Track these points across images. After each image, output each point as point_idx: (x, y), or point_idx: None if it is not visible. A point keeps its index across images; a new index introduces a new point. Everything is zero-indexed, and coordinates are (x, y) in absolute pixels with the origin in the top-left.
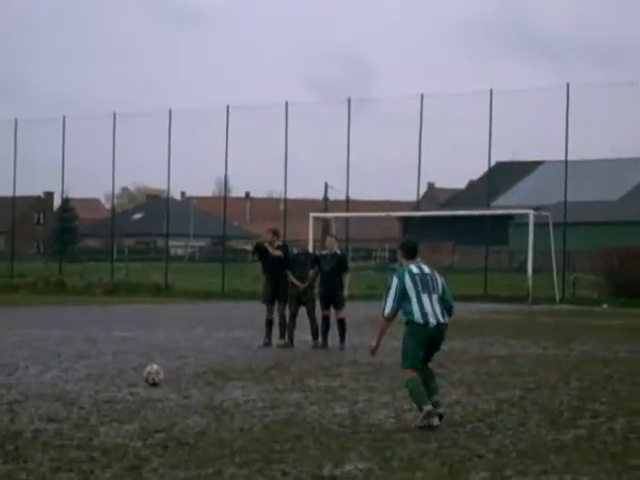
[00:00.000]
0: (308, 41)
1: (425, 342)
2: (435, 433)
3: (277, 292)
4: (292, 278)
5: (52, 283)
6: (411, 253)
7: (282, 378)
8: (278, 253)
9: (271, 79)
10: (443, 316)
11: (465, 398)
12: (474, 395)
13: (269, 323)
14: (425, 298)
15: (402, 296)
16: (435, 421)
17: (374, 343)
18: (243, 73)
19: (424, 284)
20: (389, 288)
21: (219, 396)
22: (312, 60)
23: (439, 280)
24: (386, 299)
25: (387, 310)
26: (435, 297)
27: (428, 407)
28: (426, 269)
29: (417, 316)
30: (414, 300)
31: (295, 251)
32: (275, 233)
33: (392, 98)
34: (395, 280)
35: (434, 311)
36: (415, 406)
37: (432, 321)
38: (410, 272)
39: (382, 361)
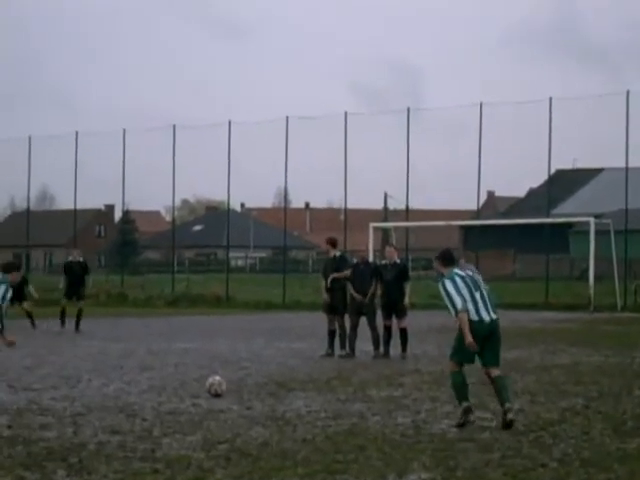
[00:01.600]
0: (355, 51)
1: (481, 338)
2: (498, 443)
3: (336, 303)
4: (352, 290)
5: (114, 295)
6: (450, 261)
7: (344, 388)
8: (346, 274)
9: (322, 90)
10: (495, 312)
11: (528, 407)
12: (537, 404)
13: (331, 333)
14: (477, 296)
15: (460, 294)
16: (472, 417)
17: (468, 339)
18: (296, 84)
19: (474, 283)
20: (447, 292)
21: (281, 407)
22: (359, 70)
23: (482, 280)
24: (451, 301)
25: (459, 306)
26: (485, 294)
27: (467, 403)
28: (469, 272)
29: (472, 313)
30: (468, 298)
31: (355, 261)
32: (332, 243)
33: (449, 107)
34: (448, 282)
35: (486, 307)
36: (456, 402)
37: (486, 317)
38: (458, 274)
39: (443, 370)
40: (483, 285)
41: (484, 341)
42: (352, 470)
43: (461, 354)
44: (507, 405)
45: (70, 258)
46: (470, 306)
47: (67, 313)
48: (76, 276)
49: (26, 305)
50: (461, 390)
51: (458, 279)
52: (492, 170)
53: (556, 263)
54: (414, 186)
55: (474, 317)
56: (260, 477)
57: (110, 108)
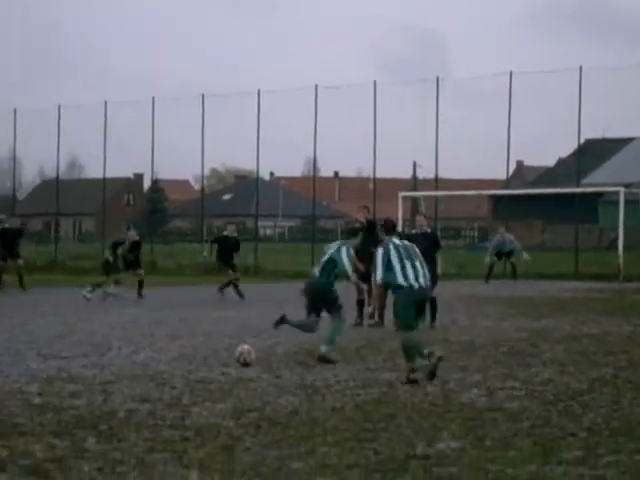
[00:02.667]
0: (381, 20)
1: (411, 302)
2: (527, 412)
3: (366, 272)
4: None
5: (143, 264)
6: (390, 230)
7: (373, 357)
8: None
9: (350, 60)
10: (425, 280)
11: (557, 377)
12: (566, 374)
13: (360, 303)
14: (408, 264)
15: (388, 264)
16: (419, 376)
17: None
18: (324, 54)
19: (407, 253)
20: (376, 261)
21: (310, 376)
22: (386, 39)
23: (417, 250)
24: (376, 269)
25: (379, 277)
26: (417, 263)
27: (415, 364)
28: (407, 243)
29: (400, 279)
30: (398, 267)
31: None
32: (366, 209)
33: (478, 76)
34: (380, 251)
35: (416, 276)
36: (410, 364)
37: (415, 284)
38: (394, 244)
39: (473, 340)
40: (419, 253)
41: (416, 306)
42: (381, 439)
43: (405, 319)
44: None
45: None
46: (400, 273)
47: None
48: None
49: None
50: (412, 352)
51: (392, 248)
52: (521, 140)
53: (585, 233)
54: (443, 155)
55: (404, 283)
56: (289, 445)
57: (140, 78)
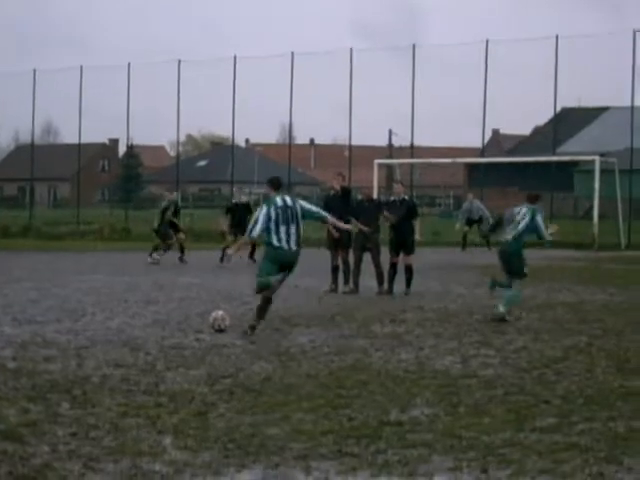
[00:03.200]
0: None
1: (279, 262)
2: (501, 379)
3: (340, 238)
4: (358, 224)
5: (118, 230)
6: (275, 187)
7: (348, 324)
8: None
9: (325, 27)
10: (296, 244)
11: (531, 344)
12: (540, 342)
13: (335, 269)
14: (283, 229)
15: (267, 223)
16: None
17: (232, 251)
18: (300, 21)
19: (285, 217)
20: (256, 216)
21: (285, 342)
22: (361, 6)
23: (299, 211)
24: (254, 224)
25: (253, 233)
26: (292, 228)
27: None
28: (288, 201)
29: (275, 240)
30: (273, 228)
31: (359, 197)
32: (341, 176)
33: (454, 44)
34: (264, 207)
35: (288, 240)
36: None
37: (285, 246)
38: (275, 205)
39: (447, 307)
40: (299, 214)
41: (284, 265)
42: (355, 405)
43: (265, 272)
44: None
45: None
46: (274, 235)
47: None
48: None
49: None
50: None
51: (272, 209)
52: (497, 108)
53: (560, 202)
54: (419, 123)
55: (276, 244)
56: (263, 411)
57: (116, 43)
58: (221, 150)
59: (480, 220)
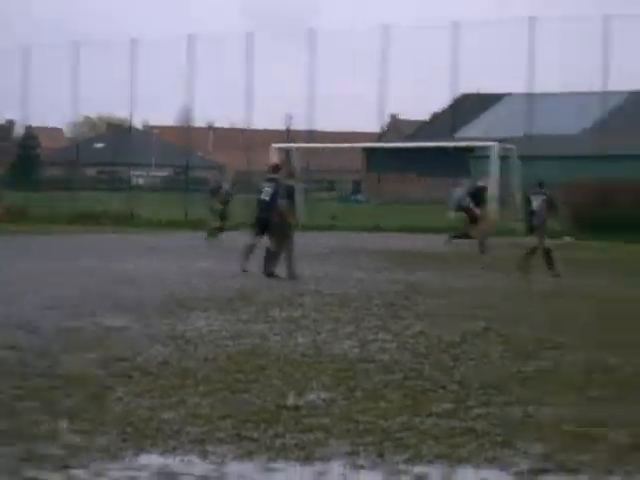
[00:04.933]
0: None
1: None
2: (399, 364)
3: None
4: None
5: (14, 212)
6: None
7: (246, 308)
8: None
9: (222, 10)
10: None
11: (429, 330)
12: (438, 327)
13: (251, 249)
14: None
15: None
16: None
17: None
18: (194, 2)
19: None
20: None
21: (182, 326)
22: None
23: None
24: None
25: None
26: None
27: None
28: None
29: None
30: None
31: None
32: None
33: (354, 29)
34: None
35: None
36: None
37: None
38: None
39: (346, 292)
40: None
41: None
42: (253, 389)
43: None
44: None
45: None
46: None
47: None
48: None
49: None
50: None
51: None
52: (396, 93)
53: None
54: (318, 108)
55: None
56: (161, 395)
57: (13, 25)
58: (118, 132)
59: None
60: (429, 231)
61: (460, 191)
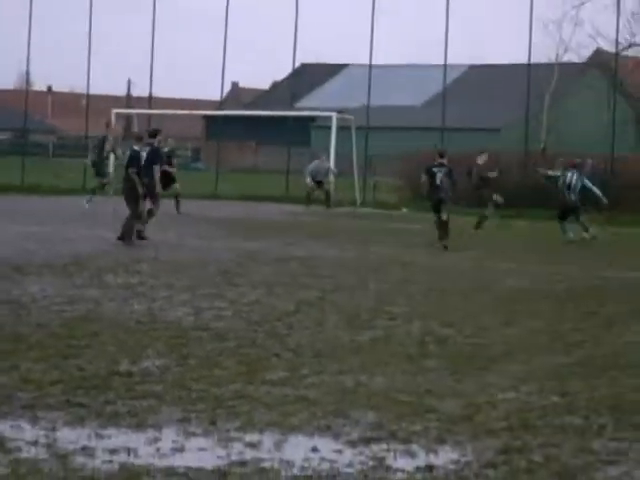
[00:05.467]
0: None
1: None
2: (233, 332)
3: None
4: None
5: None
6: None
7: (80, 274)
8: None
9: None
10: None
11: (264, 298)
12: (273, 295)
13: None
14: None
15: None
16: None
17: None
18: None
19: None
20: None
21: (16, 290)
22: None
23: None
24: None
25: None
26: None
27: None
28: None
29: None
30: None
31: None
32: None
33: None
34: None
35: None
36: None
37: None
38: None
39: (182, 259)
40: None
41: None
42: (85, 355)
43: None
44: None
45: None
46: None
47: None
48: None
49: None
50: None
51: None
52: (237, 60)
53: (297, 157)
54: (158, 74)
55: None
56: None
57: None
58: None
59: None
60: (267, 200)
61: (319, 163)
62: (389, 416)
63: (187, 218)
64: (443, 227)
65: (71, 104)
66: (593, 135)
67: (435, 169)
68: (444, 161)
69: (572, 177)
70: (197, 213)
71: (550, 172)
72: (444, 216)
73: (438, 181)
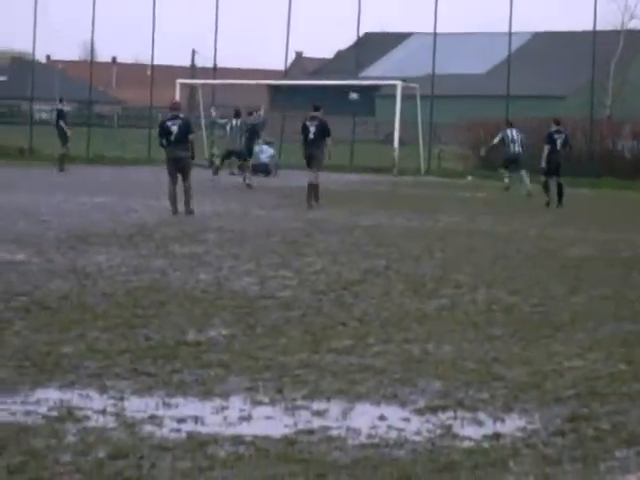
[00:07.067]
0: None
1: None
2: (299, 301)
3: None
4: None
5: None
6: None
7: (146, 244)
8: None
9: None
10: None
11: (330, 267)
12: (339, 264)
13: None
14: None
15: None
16: None
17: None
18: None
19: None
20: None
21: (82, 260)
22: None
23: None
24: None
25: None
26: None
27: None
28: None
29: None
30: None
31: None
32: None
33: None
34: None
35: None
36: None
37: None
38: None
39: (246, 229)
40: None
41: None
42: (152, 325)
43: None
44: None
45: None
46: None
47: None
48: None
49: None
50: None
51: None
52: (301, 30)
53: (362, 126)
54: (223, 44)
55: None
56: (59, 330)
57: None
58: (21, 66)
59: None
60: (333, 169)
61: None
62: (456, 384)
63: (250, 189)
64: (560, 190)
65: (135, 75)
66: None
67: (556, 136)
68: (561, 128)
69: (512, 133)
70: (260, 183)
71: (495, 141)
72: (561, 180)
73: (559, 146)
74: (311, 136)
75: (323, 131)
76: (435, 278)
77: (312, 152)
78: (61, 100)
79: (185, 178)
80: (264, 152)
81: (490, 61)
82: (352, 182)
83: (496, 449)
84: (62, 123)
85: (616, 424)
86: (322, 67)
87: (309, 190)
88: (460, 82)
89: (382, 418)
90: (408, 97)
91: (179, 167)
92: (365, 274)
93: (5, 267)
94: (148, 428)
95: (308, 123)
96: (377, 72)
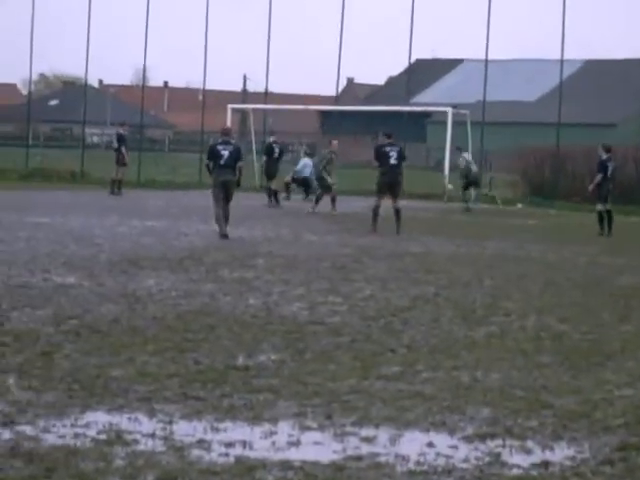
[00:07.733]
0: None
1: None
2: (348, 327)
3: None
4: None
5: None
6: None
7: (196, 268)
8: None
9: None
10: None
11: (379, 293)
12: (388, 291)
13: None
14: None
15: None
16: None
17: None
18: None
19: None
20: None
21: (133, 284)
22: None
23: None
24: None
25: None
26: None
27: None
28: None
29: None
30: None
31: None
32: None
33: None
34: None
35: None
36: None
37: None
38: None
39: (297, 254)
40: None
41: None
42: (202, 349)
43: None
44: None
45: None
46: None
47: None
48: None
49: None
50: None
51: None
52: (353, 57)
53: (412, 152)
54: (274, 70)
55: None
56: (109, 353)
57: None
58: (73, 90)
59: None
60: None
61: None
62: (504, 412)
63: (299, 213)
64: (610, 219)
65: (187, 99)
66: None
67: (608, 163)
68: (611, 155)
69: (467, 156)
70: (307, 208)
71: (461, 166)
72: (608, 206)
73: (609, 174)
74: (393, 161)
75: (403, 157)
76: (484, 305)
77: (396, 177)
78: (122, 124)
79: (227, 202)
80: (307, 166)
81: (541, 88)
82: (402, 208)
83: (545, 477)
84: (123, 148)
85: None
86: (373, 93)
87: (396, 216)
88: (510, 109)
89: (430, 445)
90: (459, 123)
91: (226, 191)
92: (414, 301)
93: (56, 290)
94: (196, 452)
95: (388, 148)
96: (428, 98)
